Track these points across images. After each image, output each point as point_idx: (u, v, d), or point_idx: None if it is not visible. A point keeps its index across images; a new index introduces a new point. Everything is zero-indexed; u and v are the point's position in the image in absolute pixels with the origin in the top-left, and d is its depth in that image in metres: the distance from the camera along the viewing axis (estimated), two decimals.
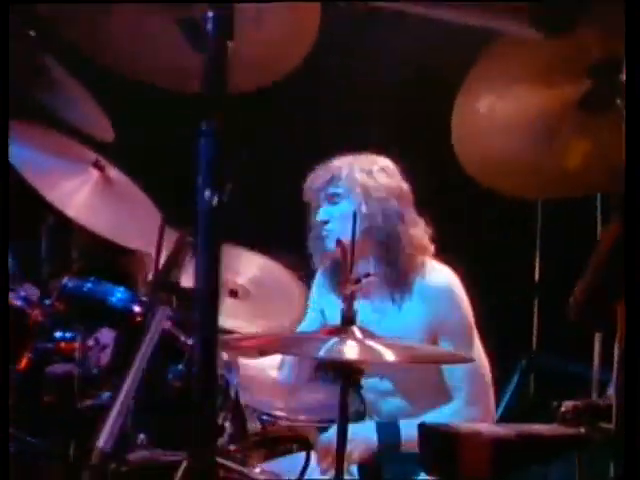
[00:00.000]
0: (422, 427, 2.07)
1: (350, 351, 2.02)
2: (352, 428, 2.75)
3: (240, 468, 2.26)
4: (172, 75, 2.12)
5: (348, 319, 2.08)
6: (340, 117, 3.86)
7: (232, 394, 2.27)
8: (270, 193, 4.01)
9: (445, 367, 2.76)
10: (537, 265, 3.81)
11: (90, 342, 2.12)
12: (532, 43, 1.96)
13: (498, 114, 2.05)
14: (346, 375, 2.04)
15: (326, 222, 2.86)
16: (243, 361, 2.88)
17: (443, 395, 2.80)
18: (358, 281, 2.09)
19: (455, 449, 1.95)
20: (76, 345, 2.11)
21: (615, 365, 1.93)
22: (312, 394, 2.93)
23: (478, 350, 2.82)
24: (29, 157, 2.69)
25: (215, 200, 1.36)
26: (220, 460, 2.13)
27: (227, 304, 3.41)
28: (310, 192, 2.93)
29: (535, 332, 3.84)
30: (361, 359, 2.04)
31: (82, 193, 2.85)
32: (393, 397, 2.89)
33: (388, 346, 2.06)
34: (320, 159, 2.91)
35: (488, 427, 2.09)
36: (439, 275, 2.83)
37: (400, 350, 2.12)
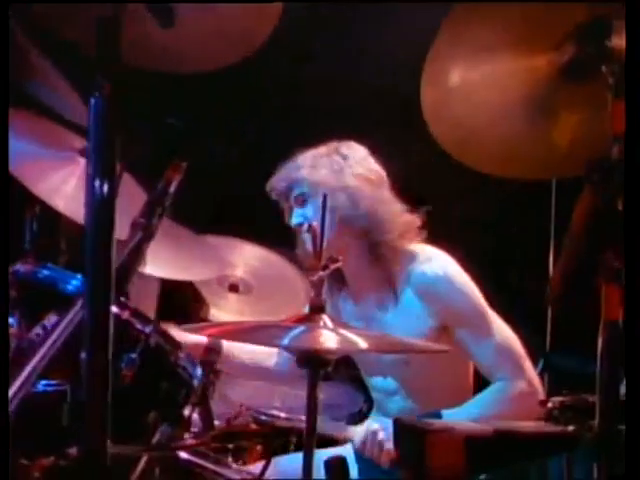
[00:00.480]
0: (396, 422, 1.94)
1: (317, 339, 1.88)
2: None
3: (212, 466, 2.16)
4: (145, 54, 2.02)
5: (316, 306, 1.95)
6: (329, 105, 3.76)
7: (196, 387, 2.16)
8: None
9: (473, 354, 2.63)
10: (551, 258, 3.64)
11: (38, 329, 2.03)
12: (505, 7, 1.83)
13: (470, 87, 1.89)
14: (312, 365, 1.90)
15: (301, 225, 2.73)
16: (234, 351, 2.77)
17: (457, 395, 2.66)
18: (326, 267, 1.95)
19: (426, 445, 1.82)
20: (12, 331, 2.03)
21: (598, 358, 1.78)
22: None
23: (500, 329, 2.65)
24: (15, 147, 2.61)
25: (106, 189, 1.17)
26: (185, 456, 2.03)
27: (229, 300, 3.33)
28: (275, 196, 2.80)
29: (549, 330, 3.68)
30: (329, 348, 1.90)
31: (70, 184, 2.76)
32: (399, 396, 2.78)
33: (359, 334, 1.93)
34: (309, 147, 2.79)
35: (464, 424, 1.95)
36: (434, 264, 2.68)
37: (371, 339, 1.99)
